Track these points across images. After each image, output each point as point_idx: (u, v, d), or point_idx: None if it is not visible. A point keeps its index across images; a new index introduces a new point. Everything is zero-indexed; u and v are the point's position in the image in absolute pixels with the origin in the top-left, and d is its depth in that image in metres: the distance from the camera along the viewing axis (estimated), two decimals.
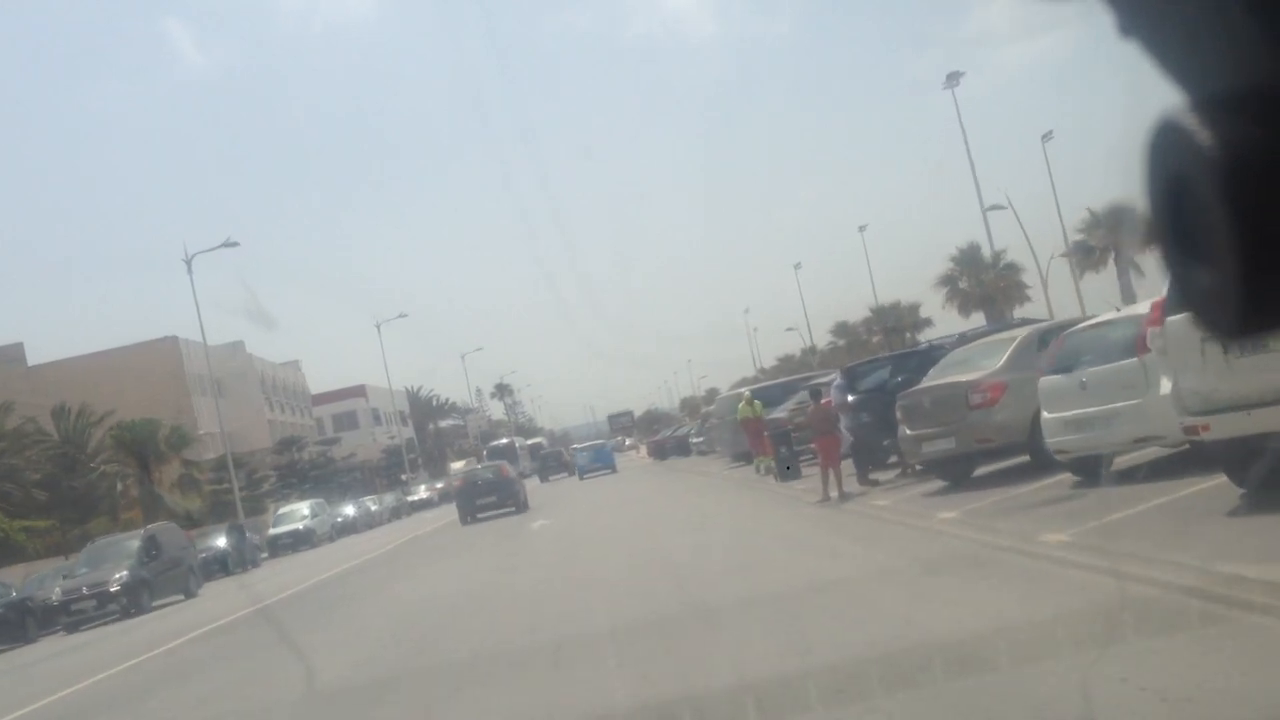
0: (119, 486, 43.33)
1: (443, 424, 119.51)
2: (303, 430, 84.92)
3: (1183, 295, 0.91)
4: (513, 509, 33.50)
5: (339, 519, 51.49)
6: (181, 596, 28.51)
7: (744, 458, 33.08)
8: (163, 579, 27.57)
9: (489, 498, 34.04)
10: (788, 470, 22.84)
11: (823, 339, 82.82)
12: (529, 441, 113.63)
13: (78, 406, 49.30)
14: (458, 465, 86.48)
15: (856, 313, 70.34)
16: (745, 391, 30.86)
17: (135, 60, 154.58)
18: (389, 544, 33.99)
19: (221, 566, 36.88)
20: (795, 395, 27.87)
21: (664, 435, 66.71)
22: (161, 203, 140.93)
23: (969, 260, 48.93)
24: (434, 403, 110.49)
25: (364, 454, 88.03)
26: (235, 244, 48.04)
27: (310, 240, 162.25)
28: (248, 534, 41.12)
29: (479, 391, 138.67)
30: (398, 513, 59.95)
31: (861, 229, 73.35)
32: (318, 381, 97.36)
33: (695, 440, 50.47)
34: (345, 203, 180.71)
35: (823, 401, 17.74)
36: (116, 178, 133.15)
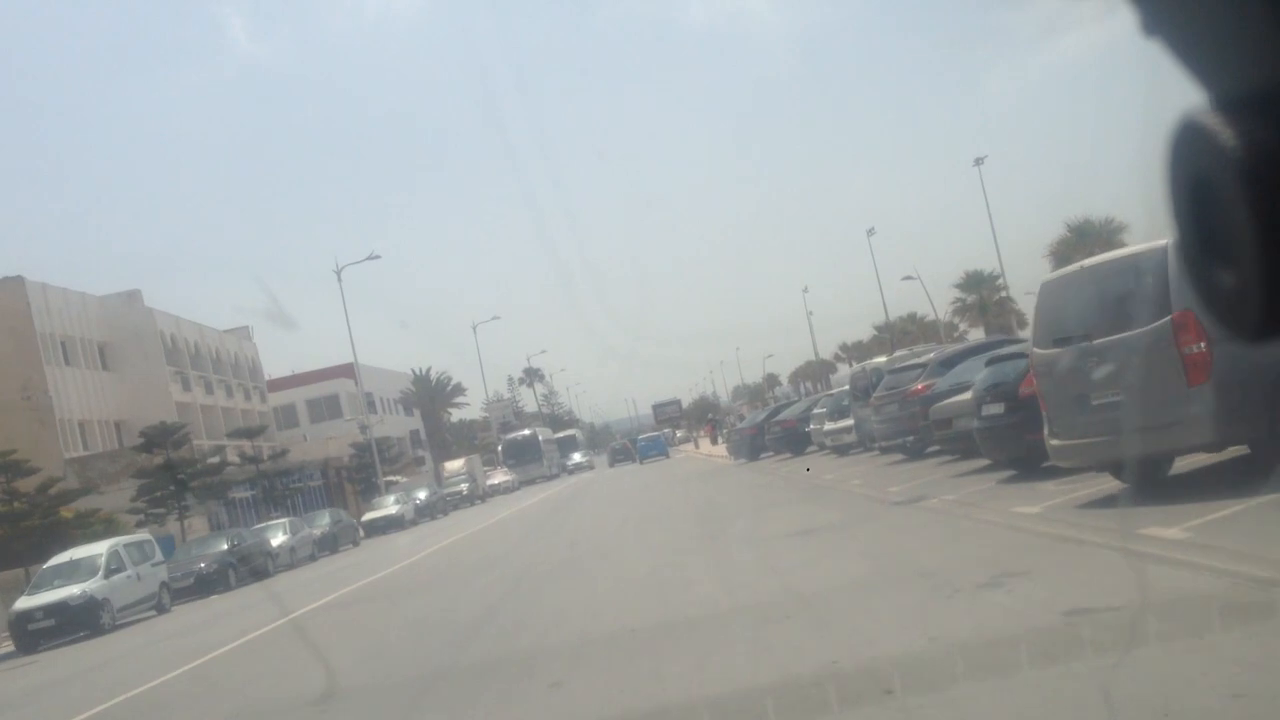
0: None
1: (457, 415, 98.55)
2: (255, 419, 62.81)
3: (1203, 296, 0.87)
4: (634, 461, 69.55)
5: (188, 576, 28.50)
6: None
7: (1111, 467, 10.38)
8: None
9: (621, 457, 76.28)
10: None
11: (944, 296, 61.81)
12: (559, 434, 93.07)
13: None
14: (454, 465, 64.86)
15: (976, 264, 62.43)
16: None
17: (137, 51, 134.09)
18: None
19: None
20: None
21: (756, 420, 41.23)
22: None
23: None
24: (435, 383, 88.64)
25: (336, 450, 65.54)
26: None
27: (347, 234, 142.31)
28: None
29: (510, 380, 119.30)
30: (332, 543, 37.58)
31: (978, 162, 53.58)
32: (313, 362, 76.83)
33: (829, 427, 27.58)
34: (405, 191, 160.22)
35: None
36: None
